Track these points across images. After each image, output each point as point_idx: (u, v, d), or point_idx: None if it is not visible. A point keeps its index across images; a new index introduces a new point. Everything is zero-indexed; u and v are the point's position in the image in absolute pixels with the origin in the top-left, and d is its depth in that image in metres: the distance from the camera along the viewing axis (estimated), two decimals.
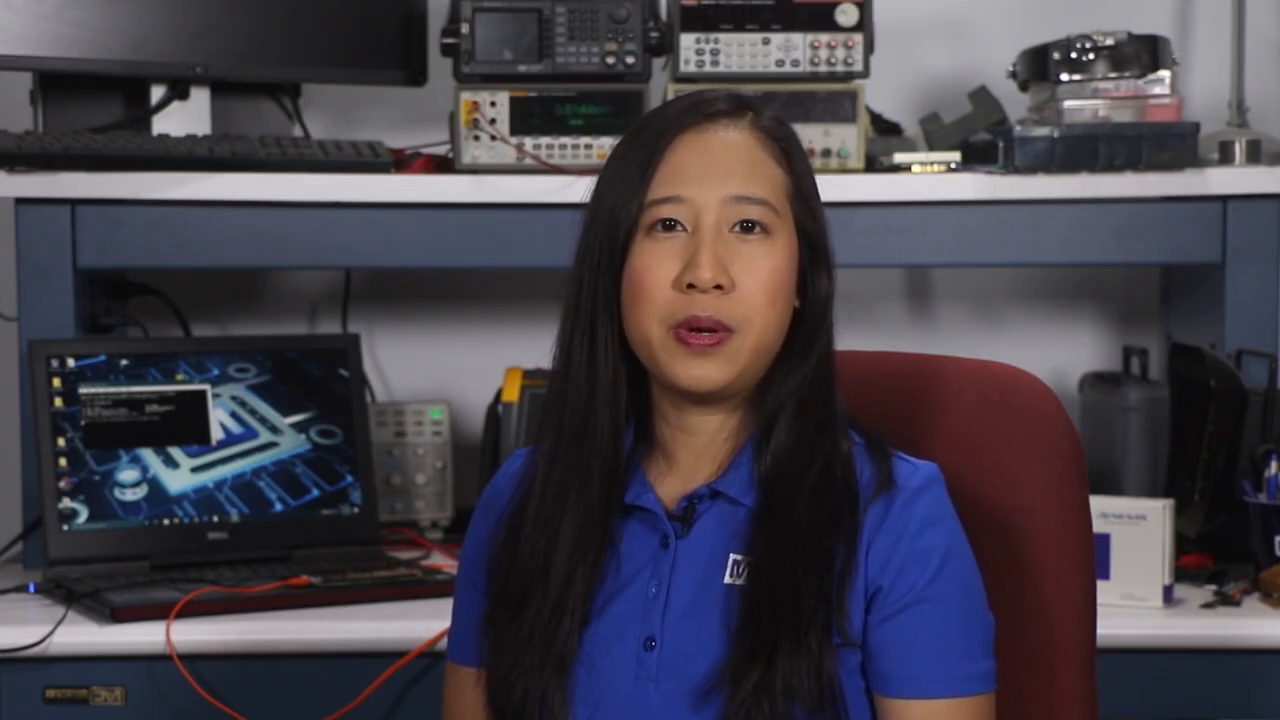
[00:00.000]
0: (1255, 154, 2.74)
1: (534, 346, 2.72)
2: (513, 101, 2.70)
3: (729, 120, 1.64)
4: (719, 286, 1.58)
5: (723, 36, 2.70)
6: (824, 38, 2.70)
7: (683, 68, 2.70)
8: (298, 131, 2.92)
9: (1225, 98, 2.90)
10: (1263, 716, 2.33)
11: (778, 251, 1.61)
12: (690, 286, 1.59)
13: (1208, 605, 2.38)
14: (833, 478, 1.60)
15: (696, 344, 1.59)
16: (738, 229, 1.61)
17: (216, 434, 2.64)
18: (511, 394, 2.74)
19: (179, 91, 2.80)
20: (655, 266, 1.60)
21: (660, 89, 2.77)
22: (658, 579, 1.63)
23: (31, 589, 2.47)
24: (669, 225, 1.61)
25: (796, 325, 1.64)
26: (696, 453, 1.66)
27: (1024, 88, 2.83)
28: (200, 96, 2.80)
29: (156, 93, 2.80)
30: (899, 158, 2.73)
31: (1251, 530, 2.48)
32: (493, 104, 2.69)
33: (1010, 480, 1.72)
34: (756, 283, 1.60)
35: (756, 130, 1.64)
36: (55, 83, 2.79)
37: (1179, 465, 2.62)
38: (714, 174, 1.61)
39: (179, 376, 2.65)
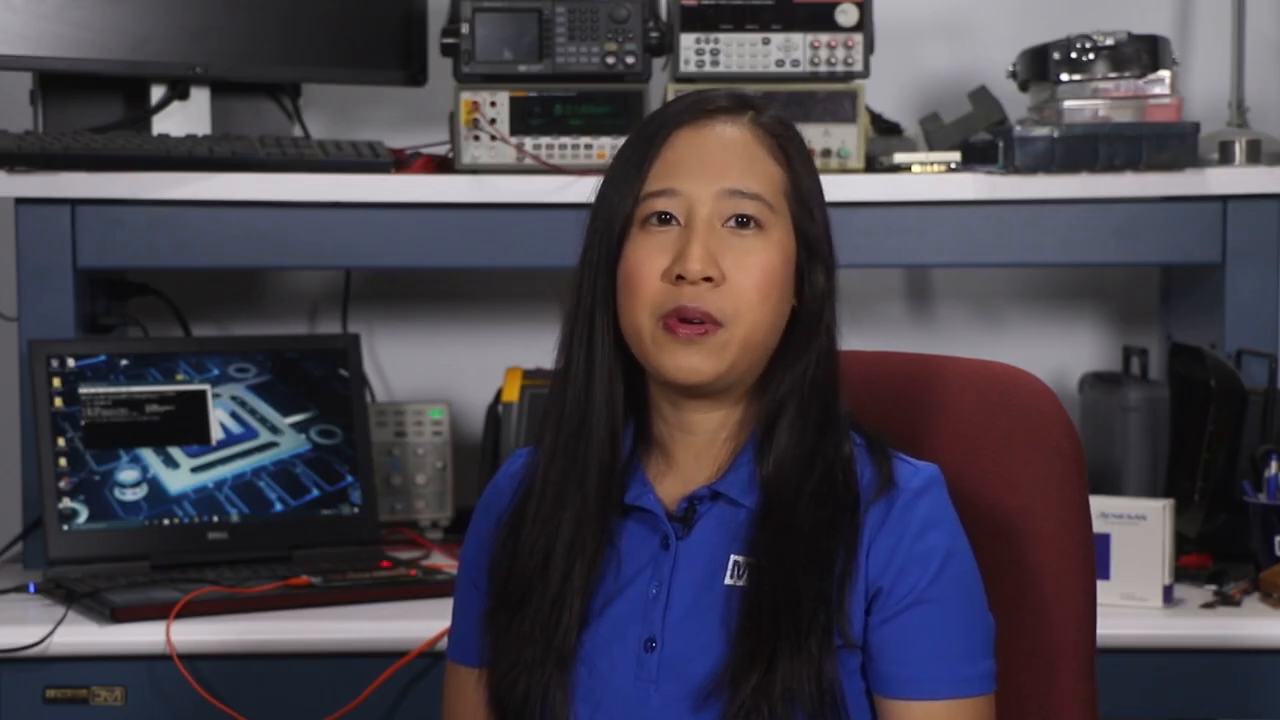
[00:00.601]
0: (1255, 154, 2.74)
1: (534, 346, 2.75)
2: (513, 101, 2.70)
3: (728, 117, 1.63)
4: (709, 279, 1.58)
5: (723, 36, 2.70)
6: (824, 38, 2.70)
7: (683, 68, 2.70)
8: (298, 131, 2.92)
9: (1225, 98, 2.90)
10: (1263, 716, 2.33)
11: (771, 247, 1.61)
12: (680, 279, 1.58)
13: (1208, 605, 2.38)
14: (834, 480, 1.60)
15: (684, 333, 1.58)
16: (732, 223, 1.60)
17: (216, 434, 2.64)
18: (511, 394, 2.74)
19: (179, 91, 2.80)
20: (647, 259, 1.60)
21: (660, 89, 2.77)
22: (658, 580, 1.62)
23: (31, 589, 2.47)
24: (663, 219, 1.60)
25: (795, 324, 1.64)
26: (696, 452, 1.65)
27: (1024, 88, 2.83)
28: (200, 96, 2.80)
29: (156, 93, 2.80)
30: (899, 158, 2.73)
31: (1251, 530, 2.48)
32: (493, 104, 2.69)
33: (1010, 480, 1.72)
34: (749, 278, 1.59)
35: (755, 127, 1.64)
36: (55, 83, 2.79)
37: (1179, 465, 2.62)
38: (709, 168, 1.60)
39: (179, 376, 2.65)
